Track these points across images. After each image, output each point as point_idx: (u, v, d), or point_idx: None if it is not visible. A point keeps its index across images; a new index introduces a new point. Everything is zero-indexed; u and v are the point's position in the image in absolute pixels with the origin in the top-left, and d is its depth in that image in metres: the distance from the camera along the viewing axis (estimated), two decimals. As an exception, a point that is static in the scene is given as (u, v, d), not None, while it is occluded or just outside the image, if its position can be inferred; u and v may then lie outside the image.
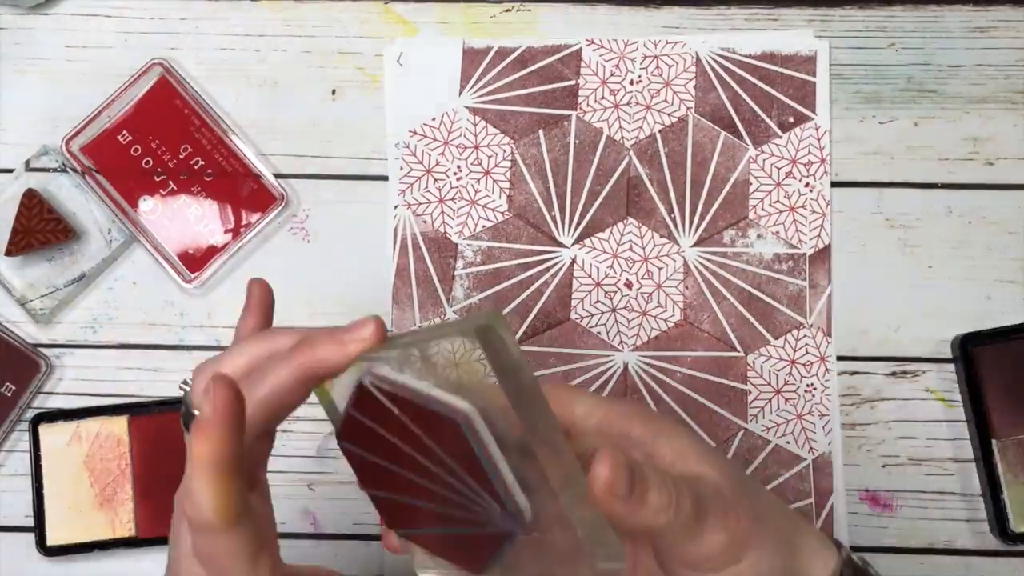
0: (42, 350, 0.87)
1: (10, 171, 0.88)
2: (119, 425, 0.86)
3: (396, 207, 0.88)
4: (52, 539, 0.85)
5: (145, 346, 0.88)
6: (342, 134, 0.90)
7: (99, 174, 0.88)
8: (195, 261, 0.88)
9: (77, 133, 0.88)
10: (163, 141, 0.88)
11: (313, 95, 0.90)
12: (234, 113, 0.90)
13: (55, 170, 0.88)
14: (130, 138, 0.89)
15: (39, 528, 0.85)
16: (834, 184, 0.89)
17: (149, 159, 0.88)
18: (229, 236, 0.88)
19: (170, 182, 0.88)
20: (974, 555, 0.87)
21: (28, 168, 0.88)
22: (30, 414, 0.86)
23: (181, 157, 0.88)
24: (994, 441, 0.85)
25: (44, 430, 0.86)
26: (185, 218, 0.88)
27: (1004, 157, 0.90)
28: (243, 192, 0.88)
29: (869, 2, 0.91)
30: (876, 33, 0.91)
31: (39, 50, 0.91)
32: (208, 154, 0.89)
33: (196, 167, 0.89)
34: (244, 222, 0.88)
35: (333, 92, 0.90)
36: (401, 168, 0.88)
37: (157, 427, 0.86)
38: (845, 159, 0.90)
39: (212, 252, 0.88)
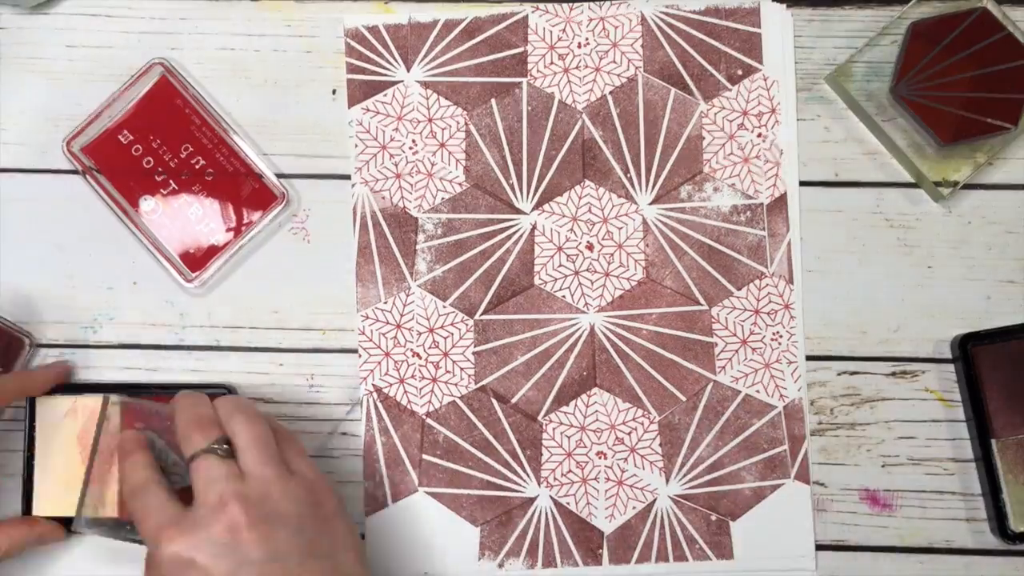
0: (27, 326, 0.89)
1: (10, 170, 0.90)
2: (115, 405, 0.84)
3: (354, 185, 0.89)
4: (38, 510, 0.86)
5: (145, 346, 0.90)
6: (342, 134, 0.91)
7: (100, 174, 0.89)
8: (196, 260, 0.89)
9: (78, 133, 0.89)
10: (164, 141, 0.89)
11: (313, 95, 0.91)
12: (234, 113, 0.91)
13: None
14: (131, 138, 0.89)
15: (26, 498, 0.86)
16: (834, 184, 0.89)
17: (150, 159, 0.89)
18: (231, 235, 0.89)
19: (171, 181, 0.89)
20: (973, 554, 0.87)
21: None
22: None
23: (182, 157, 0.89)
24: (993, 441, 0.85)
25: (41, 401, 0.87)
26: (186, 217, 0.89)
27: (1004, 157, 0.89)
28: (244, 191, 0.89)
29: (869, 2, 0.91)
30: (876, 33, 0.90)
31: (39, 50, 0.92)
32: (209, 153, 0.90)
33: (197, 166, 0.89)
34: (245, 221, 0.89)
35: (333, 92, 0.91)
36: (356, 146, 0.89)
37: (153, 410, 0.85)
38: (845, 159, 0.90)
39: (213, 251, 0.89)
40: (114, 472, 0.81)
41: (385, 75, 0.90)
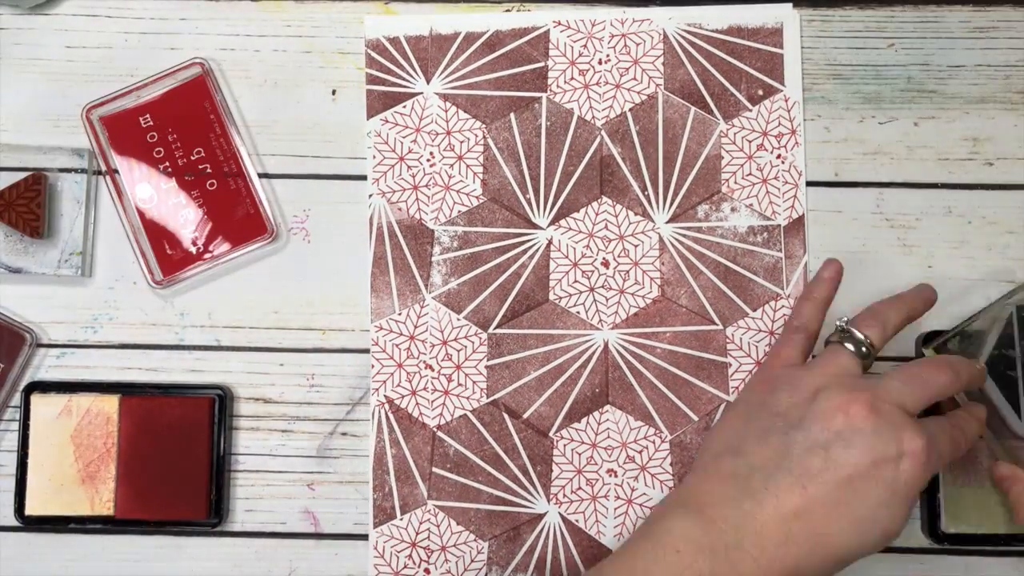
0: (27, 324, 0.89)
1: (10, 170, 0.89)
2: (110, 403, 0.87)
3: (371, 196, 0.88)
4: (31, 508, 0.87)
5: (145, 346, 0.90)
6: (342, 134, 0.90)
7: (109, 148, 0.89)
8: (170, 263, 0.88)
9: (102, 103, 0.89)
10: (180, 137, 0.89)
11: (313, 95, 0.91)
12: (234, 113, 0.90)
13: (75, 170, 0.90)
14: (151, 123, 0.89)
15: (19, 496, 0.87)
16: (834, 184, 0.89)
17: (161, 150, 0.89)
18: (211, 252, 0.88)
19: (173, 179, 0.89)
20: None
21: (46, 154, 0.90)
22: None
23: (191, 158, 0.89)
24: None
25: (36, 399, 0.87)
26: (176, 218, 0.89)
27: (1004, 157, 0.89)
28: (238, 213, 0.89)
29: (869, 2, 0.91)
30: (876, 33, 0.91)
31: (39, 50, 0.92)
32: (218, 164, 0.89)
33: (202, 172, 0.89)
34: (227, 243, 0.89)
35: (333, 92, 0.91)
36: (374, 157, 0.89)
37: (148, 409, 0.87)
38: (845, 159, 0.90)
39: (188, 261, 0.88)
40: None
41: (404, 87, 0.89)
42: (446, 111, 0.89)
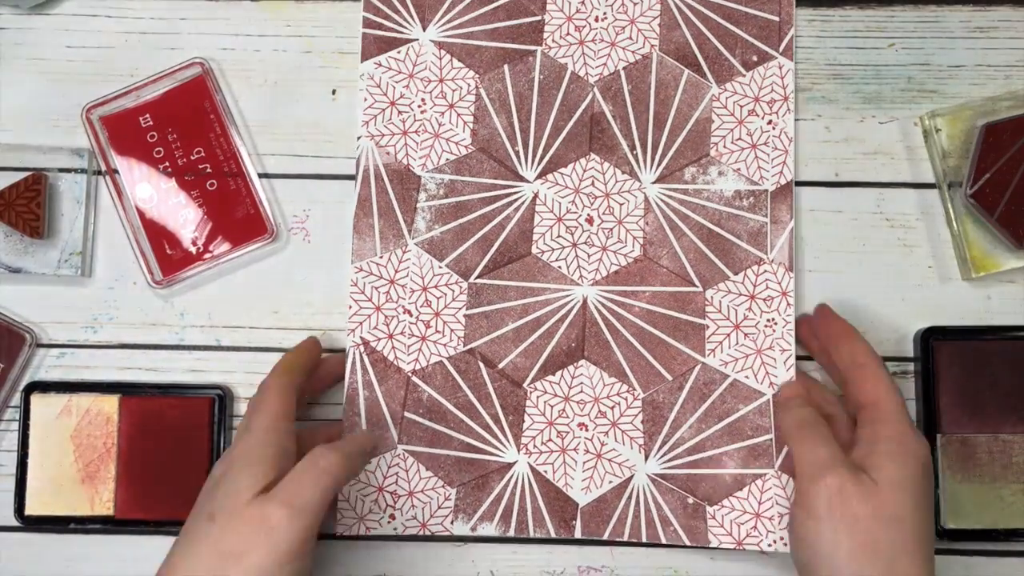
0: (28, 324, 0.90)
1: (10, 169, 0.90)
2: (110, 403, 0.87)
3: (359, 138, 0.89)
4: (31, 508, 0.87)
5: (145, 346, 0.90)
6: (342, 134, 0.91)
7: (109, 148, 0.89)
8: (171, 264, 0.89)
9: (101, 103, 0.89)
10: (180, 136, 0.89)
11: (313, 95, 0.92)
12: (234, 113, 0.91)
13: (75, 170, 0.90)
14: (151, 123, 0.90)
15: (19, 496, 0.87)
16: (834, 184, 0.89)
17: (160, 149, 0.89)
18: (211, 252, 0.89)
19: (173, 178, 0.89)
20: (974, 556, 0.87)
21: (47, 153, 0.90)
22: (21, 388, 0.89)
23: (191, 158, 0.89)
24: (939, 436, 0.85)
25: (36, 399, 0.88)
26: (176, 218, 0.89)
27: None
28: (238, 213, 0.89)
29: (869, 2, 0.91)
30: (876, 33, 0.91)
31: (39, 50, 0.92)
32: (218, 164, 0.90)
33: (203, 172, 0.89)
34: (227, 243, 0.89)
35: (333, 92, 0.91)
36: (365, 99, 0.89)
37: (148, 410, 0.87)
38: (845, 159, 0.90)
39: (188, 260, 0.89)
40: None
41: (400, 32, 0.90)
42: (440, 59, 0.90)
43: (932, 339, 0.86)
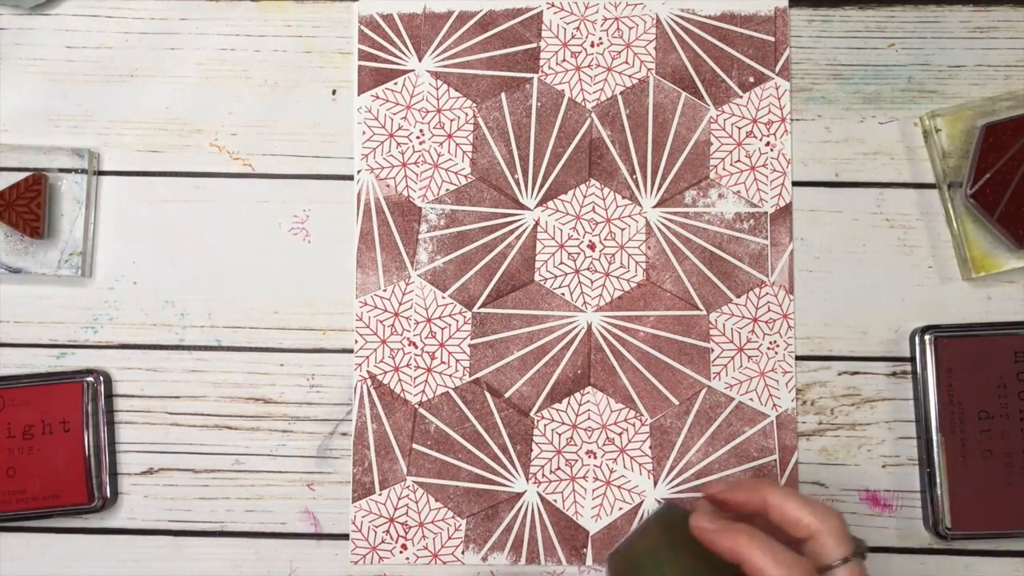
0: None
1: (10, 170, 0.89)
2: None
3: (359, 171, 0.89)
4: None
5: (145, 346, 0.90)
6: (342, 134, 0.90)
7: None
8: None
9: None
10: None
11: (313, 95, 0.91)
12: (234, 113, 0.91)
13: (75, 170, 0.90)
14: None
15: None
16: (834, 184, 0.89)
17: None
18: None
19: None
20: (974, 555, 0.87)
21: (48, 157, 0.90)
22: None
23: None
24: (936, 435, 0.86)
25: None
26: None
27: None
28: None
29: (869, 2, 0.91)
30: (876, 33, 0.91)
31: (39, 50, 0.92)
32: None
33: None
34: None
35: (333, 92, 0.91)
36: (364, 133, 0.89)
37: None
38: (845, 159, 0.90)
39: None
40: None
41: (396, 64, 0.89)
42: (437, 89, 0.89)
43: (925, 336, 0.86)
